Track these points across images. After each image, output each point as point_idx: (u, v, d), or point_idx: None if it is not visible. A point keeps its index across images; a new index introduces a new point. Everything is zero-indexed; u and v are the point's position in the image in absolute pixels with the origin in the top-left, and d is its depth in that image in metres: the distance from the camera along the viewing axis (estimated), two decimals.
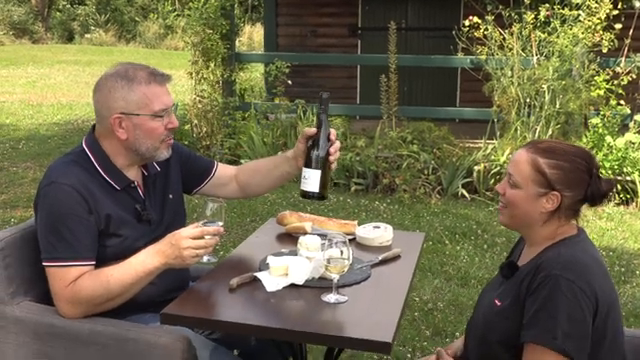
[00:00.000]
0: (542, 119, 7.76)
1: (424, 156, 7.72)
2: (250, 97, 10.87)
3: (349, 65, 11.47)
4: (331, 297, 2.22)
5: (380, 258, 2.54)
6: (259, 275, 2.38)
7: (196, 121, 8.94)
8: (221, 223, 2.35)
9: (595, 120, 7.70)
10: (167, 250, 2.29)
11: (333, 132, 2.53)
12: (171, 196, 2.66)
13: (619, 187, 7.58)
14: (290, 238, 2.82)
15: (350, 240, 2.76)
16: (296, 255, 2.51)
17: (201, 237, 2.28)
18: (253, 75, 13.32)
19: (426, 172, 7.66)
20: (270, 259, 2.43)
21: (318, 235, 2.76)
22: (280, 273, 2.37)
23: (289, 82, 8.85)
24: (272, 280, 2.34)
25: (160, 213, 2.60)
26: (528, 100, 7.83)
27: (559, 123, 7.81)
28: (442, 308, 4.73)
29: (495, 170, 7.66)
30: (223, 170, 2.86)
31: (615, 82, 7.80)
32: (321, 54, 11.00)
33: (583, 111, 7.86)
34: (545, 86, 7.71)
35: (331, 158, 2.51)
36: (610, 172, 7.49)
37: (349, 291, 2.29)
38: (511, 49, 7.94)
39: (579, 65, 7.89)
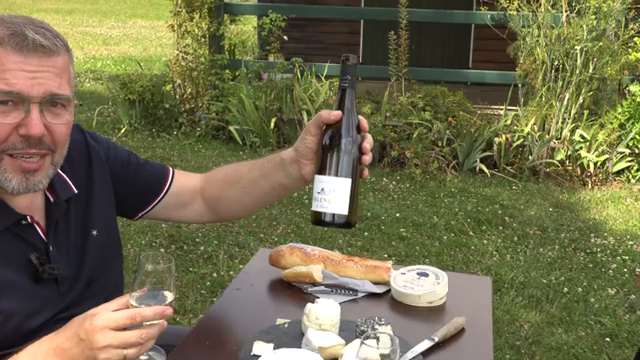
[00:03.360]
0: (572, 85, 6.79)
1: (438, 125, 6.78)
2: (241, 54, 9.88)
3: (352, 19, 10.36)
4: None
5: (437, 339, 1.60)
6: None
7: (179, 81, 7.99)
8: (169, 296, 1.42)
9: (634, 87, 6.73)
10: (72, 349, 1.35)
11: (363, 120, 1.58)
12: (95, 232, 1.68)
13: None
14: (292, 292, 1.88)
15: (382, 293, 1.84)
16: (300, 336, 1.58)
17: (133, 323, 1.35)
18: (244, 29, 12.29)
19: (440, 144, 6.73)
20: (259, 349, 1.50)
21: (334, 287, 1.84)
22: None
23: (285, 37, 7.85)
24: None
25: (76, 264, 1.63)
26: (556, 63, 6.85)
27: (591, 90, 6.85)
28: None
29: (518, 142, 6.74)
30: (182, 181, 1.86)
31: None
32: (321, 6, 9.87)
33: (618, 77, 6.90)
34: (577, 47, 6.72)
35: (365, 160, 1.56)
36: None
37: None
38: (539, 4, 6.91)
39: (616, 24, 6.89)
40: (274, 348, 1.52)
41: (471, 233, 5.15)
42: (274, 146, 7.20)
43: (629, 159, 6.68)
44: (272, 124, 7.13)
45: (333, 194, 1.48)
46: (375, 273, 1.91)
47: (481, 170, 6.62)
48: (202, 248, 4.74)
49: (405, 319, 1.77)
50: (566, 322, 3.93)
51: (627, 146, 6.67)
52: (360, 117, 1.55)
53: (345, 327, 1.62)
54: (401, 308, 1.81)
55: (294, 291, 1.87)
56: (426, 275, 1.87)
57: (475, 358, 1.60)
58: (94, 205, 1.68)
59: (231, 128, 7.36)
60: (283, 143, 7.28)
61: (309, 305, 1.61)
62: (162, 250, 4.62)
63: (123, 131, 7.77)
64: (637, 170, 6.68)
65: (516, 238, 5.10)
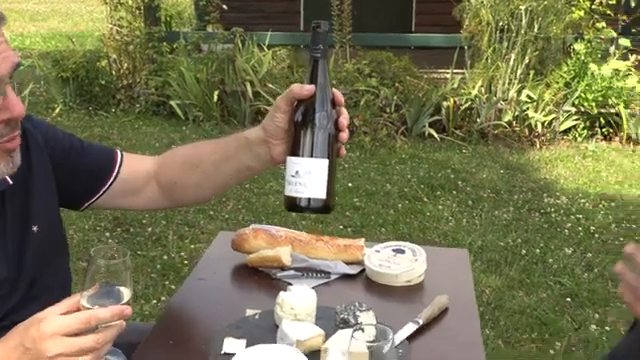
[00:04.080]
0: (518, 45, 6.76)
1: (385, 91, 6.67)
2: (178, 25, 9.54)
3: None
4: None
5: (422, 321, 1.49)
6: None
7: (114, 56, 7.67)
8: (126, 293, 1.26)
9: (579, 46, 6.74)
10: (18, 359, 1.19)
11: (338, 93, 1.42)
12: (36, 227, 1.49)
13: (602, 121, 6.73)
14: (259, 278, 1.74)
15: (356, 274, 1.72)
16: (274, 328, 1.45)
17: (88, 328, 1.19)
18: None
19: (388, 110, 6.63)
20: (229, 345, 1.36)
21: (305, 270, 1.72)
22: None
23: (224, 7, 7.60)
24: None
25: (15, 263, 1.45)
26: (501, 24, 6.79)
27: (537, 50, 6.83)
28: None
29: (466, 105, 6.69)
30: (133, 165, 1.66)
31: (600, 1, 6.82)
32: None
33: (563, 35, 6.89)
34: (522, 7, 6.67)
35: (342, 137, 1.40)
36: (594, 104, 6.60)
37: None
38: None
39: None
40: (247, 344, 1.38)
41: (425, 199, 5.07)
42: (218, 120, 7.00)
43: (575, 117, 6.70)
44: (215, 97, 6.93)
45: (309, 177, 1.34)
46: (347, 253, 1.78)
47: (430, 135, 6.55)
48: (150, 230, 4.55)
49: (384, 301, 1.65)
50: (526, 284, 3.89)
51: (573, 105, 6.68)
52: (335, 90, 1.41)
53: (322, 314, 1.49)
54: (378, 289, 1.69)
55: (262, 277, 1.73)
56: (402, 252, 1.75)
57: (463, 338, 1.49)
58: (33, 197, 1.49)
59: (172, 103, 7.12)
60: (227, 116, 7.09)
61: (282, 294, 1.47)
62: (107, 234, 4.42)
63: (58, 111, 7.44)
64: (583, 128, 6.71)
65: (470, 202, 5.05)
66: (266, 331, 1.46)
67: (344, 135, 1.40)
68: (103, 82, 7.52)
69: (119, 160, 1.65)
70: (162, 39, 7.71)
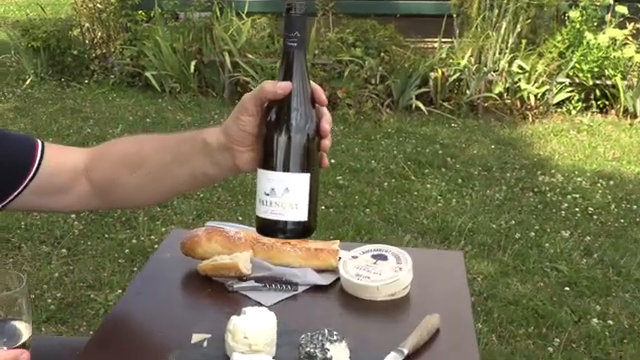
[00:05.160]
0: (509, 13, 6.44)
1: (370, 62, 6.34)
2: None
3: None
4: None
5: (406, 351, 1.20)
6: None
7: (87, 24, 7.31)
8: (24, 330, 0.97)
9: (573, 13, 6.41)
10: None
11: (319, 90, 1.13)
12: None
13: (597, 93, 6.44)
14: (213, 291, 1.45)
15: (329, 285, 1.44)
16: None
17: None
18: None
19: (373, 82, 6.31)
20: None
21: (267, 281, 1.43)
22: None
23: None
24: None
25: None
26: None
27: (529, 18, 6.52)
28: None
29: (455, 77, 6.38)
30: (58, 158, 1.36)
31: None
32: None
33: (556, 2, 6.58)
34: None
35: (325, 145, 1.12)
36: (589, 76, 6.31)
37: None
38: None
39: None
40: None
41: (413, 177, 4.78)
42: (195, 91, 6.67)
43: (569, 89, 6.41)
44: (192, 67, 6.59)
45: (287, 196, 1.05)
46: (319, 258, 1.48)
47: (417, 108, 6.25)
48: (119, 210, 4.22)
49: (361, 321, 1.36)
50: (521, 271, 3.62)
51: (567, 76, 6.38)
52: (314, 86, 1.11)
53: (284, 341, 1.20)
54: (355, 305, 1.39)
55: (215, 289, 1.43)
56: (384, 258, 1.46)
57: None
58: None
59: (147, 74, 6.77)
60: (205, 87, 6.75)
61: (234, 319, 1.17)
62: (73, 216, 4.10)
63: (28, 82, 7.09)
64: (578, 101, 6.42)
65: (460, 180, 4.76)
66: None
67: (327, 142, 1.11)
68: (75, 52, 7.15)
69: (39, 152, 1.34)
70: (137, 7, 7.36)
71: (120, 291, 3.39)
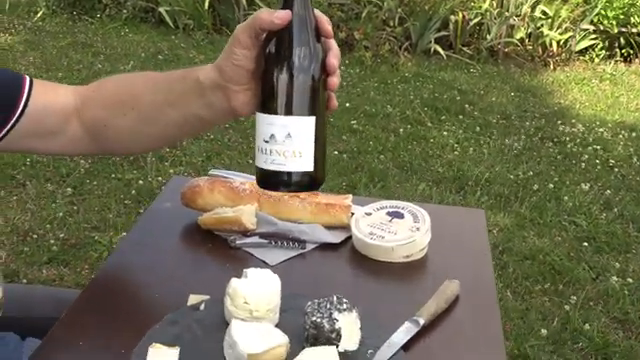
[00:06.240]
0: None
1: (389, 3, 6.16)
2: None
3: None
4: None
5: (422, 321, 1.09)
6: None
7: None
8: None
9: None
10: None
11: (324, 19, 0.98)
12: None
13: (622, 41, 6.24)
14: (214, 246, 1.34)
15: (339, 243, 1.33)
16: (223, 326, 1.06)
17: None
18: None
19: (391, 24, 6.15)
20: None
21: (272, 237, 1.33)
22: None
23: None
24: None
25: None
26: None
27: None
28: None
29: (475, 20, 6.19)
30: (47, 97, 1.23)
31: None
32: None
33: None
34: None
35: (332, 83, 0.98)
36: (614, 23, 6.09)
37: None
38: None
39: None
40: (180, 355, 1.00)
41: (429, 124, 4.64)
42: (209, 29, 6.52)
43: (593, 37, 6.21)
44: (206, 4, 6.44)
45: (289, 142, 0.92)
46: (329, 214, 1.37)
47: (436, 52, 6.08)
48: (99, 156, 4.12)
49: (374, 285, 1.25)
50: (538, 224, 3.51)
51: (591, 22, 6.18)
52: (319, 14, 0.97)
53: (289, 305, 1.10)
54: (367, 266, 1.29)
55: (216, 245, 1.33)
56: (400, 216, 1.34)
57: (478, 341, 1.11)
58: None
59: (161, 9, 6.63)
60: (219, 25, 6.60)
61: (234, 282, 1.07)
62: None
63: (40, 15, 6.95)
64: (601, 48, 6.23)
65: (478, 128, 4.62)
66: (211, 331, 1.07)
67: (335, 80, 0.97)
68: None
69: (26, 90, 1.22)
70: None
71: (125, 234, 3.30)
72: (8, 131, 1.20)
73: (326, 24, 0.97)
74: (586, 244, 3.33)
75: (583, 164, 4.16)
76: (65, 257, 3.08)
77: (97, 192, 3.68)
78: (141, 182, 3.79)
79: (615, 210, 3.64)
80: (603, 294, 2.93)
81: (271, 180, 0.97)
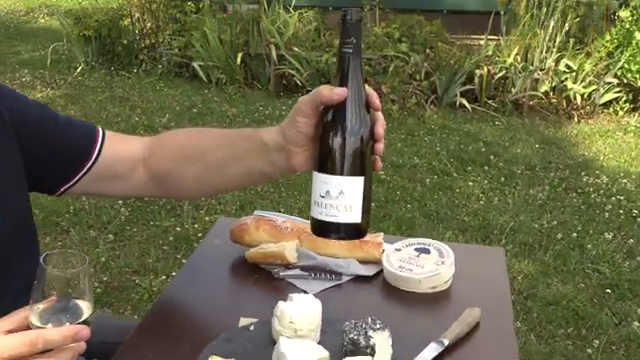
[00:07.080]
0: (557, 12, 6.38)
1: (415, 57, 6.34)
2: None
3: None
4: None
5: (447, 342, 1.23)
6: None
7: (138, 14, 7.44)
8: (85, 308, 1.03)
9: (624, 13, 6.33)
10: None
11: (373, 95, 1.15)
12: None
13: None
14: (260, 277, 1.50)
15: (372, 276, 1.48)
16: (271, 343, 1.21)
17: (34, 351, 0.98)
18: None
19: (418, 77, 6.31)
20: None
21: (312, 270, 1.47)
22: None
23: None
24: None
25: None
26: None
27: (578, 16, 6.44)
28: None
29: (500, 74, 6.35)
30: (117, 147, 1.41)
31: None
32: None
33: (606, 1, 6.49)
34: None
35: (378, 149, 1.15)
36: (638, 76, 6.23)
37: None
38: None
39: None
40: None
41: (455, 174, 4.79)
42: (241, 83, 6.75)
43: (617, 90, 6.33)
44: (238, 59, 6.67)
45: (342, 198, 1.10)
46: (363, 250, 1.52)
47: (462, 105, 6.24)
48: (164, 199, 4.32)
49: (403, 311, 1.40)
50: (562, 272, 3.61)
51: (615, 76, 6.31)
52: (369, 90, 1.14)
53: (328, 327, 1.24)
54: (397, 296, 1.43)
55: (262, 277, 1.48)
56: (427, 252, 1.49)
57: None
58: None
59: (195, 64, 6.88)
60: (251, 80, 6.83)
61: (281, 304, 1.22)
62: (120, 202, 4.20)
63: (79, 70, 7.26)
64: (625, 101, 6.34)
65: (503, 179, 4.75)
66: (261, 347, 1.22)
67: (380, 146, 1.14)
68: (125, 41, 7.32)
69: (100, 140, 1.40)
70: None
71: (164, 277, 3.47)
72: (83, 175, 1.38)
73: (375, 99, 1.15)
74: (609, 291, 3.42)
75: (607, 214, 4.26)
76: (108, 299, 3.25)
77: (137, 238, 3.86)
78: (178, 229, 3.96)
79: (638, 258, 3.73)
80: (625, 339, 3.02)
81: (324, 229, 1.13)
